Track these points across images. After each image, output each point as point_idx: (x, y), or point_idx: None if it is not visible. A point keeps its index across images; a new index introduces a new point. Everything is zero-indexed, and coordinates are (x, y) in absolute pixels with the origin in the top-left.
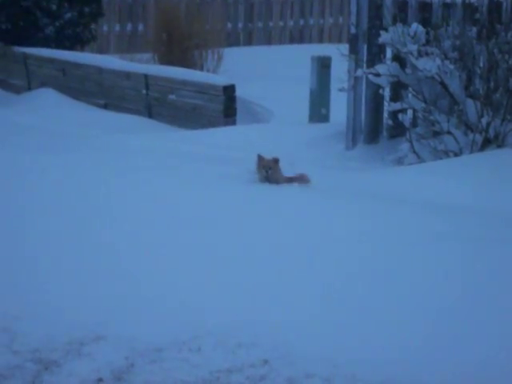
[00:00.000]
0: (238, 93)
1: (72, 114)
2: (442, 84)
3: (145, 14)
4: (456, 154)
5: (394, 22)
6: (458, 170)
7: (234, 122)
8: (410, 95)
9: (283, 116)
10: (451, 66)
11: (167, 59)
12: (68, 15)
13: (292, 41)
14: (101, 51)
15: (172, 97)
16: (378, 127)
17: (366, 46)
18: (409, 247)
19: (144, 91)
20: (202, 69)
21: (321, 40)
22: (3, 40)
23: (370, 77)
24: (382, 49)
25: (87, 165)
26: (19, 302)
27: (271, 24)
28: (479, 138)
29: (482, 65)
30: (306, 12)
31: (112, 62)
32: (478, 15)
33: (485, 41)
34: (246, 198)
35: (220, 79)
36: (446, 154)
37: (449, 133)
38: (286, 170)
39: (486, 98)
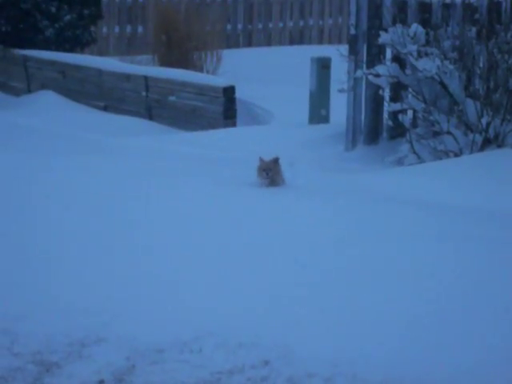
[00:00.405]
0: (238, 94)
1: (72, 116)
2: (442, 84)
3: (144, 15)
4: (456, 155)
5: (394, 22)
6: (458, 170)
7: (233, 124)
8: (409, 96)
9: (283, 117)
10: (451, 67)
11: (167, 61)
12: (67, 17)
13: (292, 42)
14: (100, 53)
15: (172, 98)
16: (377, 128)
17: (365, 47)
18: (408, 247)
19: (144, 93)
20: (201, 70)
21: (320, 41)
22: (3, 42)
23: (370, 77)
24: (381, 49)
25: (91, 167)
26: (20, 304)
27: (271, 25)
28: (479, 138)
29: (481, 65)
30: (306, 13)
31: (112, 64)
32: (477, 15)
33: (484, 41)
34: (246, 200)
35: (220, 81)
36: (446, 154)
37: (449, 133)
38: (286, 171)
39: (486, 98)
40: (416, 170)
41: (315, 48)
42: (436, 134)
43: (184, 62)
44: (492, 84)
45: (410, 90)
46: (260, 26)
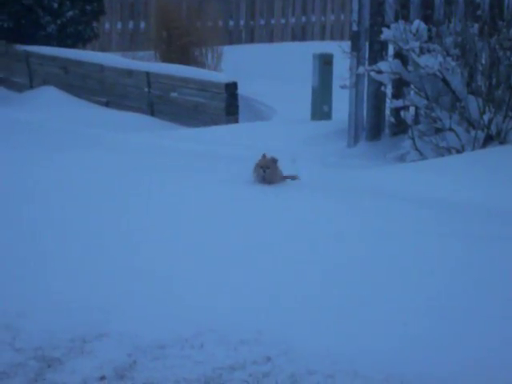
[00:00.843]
0: (240, 90)
1: (74, 112)
2: (444, 81)
3: (146, 11)
4: (458, 151)
5: (396, 18)
6: (460, 166)
7: (236, 120)
8: (411, 92)
9: (285, 113)
10: (453, 63)
11: (169, 57)
12: (70, 13)
13: (294, 38)
14: (103, 49)
15: (174, 94)
16: (379, 124)
17: (367, 43)
18: (410, 244)
19: (146, 89)
20: (203, 66)
21: (322, 37)
22: (5, 38)
23: (372, 74)
24: (383, 46)
25: (92, 163)
26: (22, 300)
27: (273, 21)
28: (481, 135)
29: (483, 61)
30: (308, 9)
31: (114, 59)
32: (479, 12)
33: (487, 37)
34: (247, 196)
35: (222, 77)
36: (448, 150)
37: (451, 130)
38: (288, 167)
39: (488, 94)
40: (418, 166)
41: (317, 44)
42: (438, 130)
43: (185, 58)
44: (494, 81)
45: (412, 86)
46: (262, 22)
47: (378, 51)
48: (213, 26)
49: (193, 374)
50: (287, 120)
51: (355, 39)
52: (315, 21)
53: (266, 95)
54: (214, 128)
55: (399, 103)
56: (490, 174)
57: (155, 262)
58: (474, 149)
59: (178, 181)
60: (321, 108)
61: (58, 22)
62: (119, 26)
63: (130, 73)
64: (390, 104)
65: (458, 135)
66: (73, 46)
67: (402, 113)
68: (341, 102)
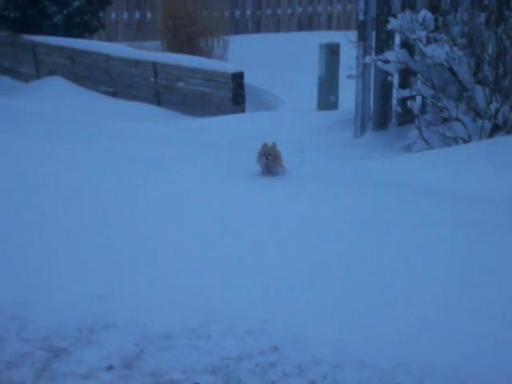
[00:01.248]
0: (247, 80)
1: (81, 102)
2: (451, 70)
3: (153, 1)
4: (465, 141)
5: (403, 8)
6: (467, 156)
7: (242, 110)
8: (418, 82)
9: (292, 103)
10: (460, 53)
11: (175, 47)
12: (76, 3)
13: (300, 28)
14: (109, 39)
15: (180, 84)
16: (386, 114)
17: (374, 33)
18: (417, 234)
19: (152, 79)
20: (209, 56)
21: (329, 27)
22: (12, 28)
23: (379, 64)
24: (390, 35)
25: (99, 152)
26: (29, 290)
27: (279, 11)
28: (488, 125)
29: (490, 51)
30: None
31: (120, 49)
32: (486, 1)
33: (493, 27)
34: (254, 186)
35: (228, 66)
36: (455, 140)
37: (457, 119)
38: (295, 156)
39: (495, 84)
40: (425, 156)
41: (324, 34)
42: (445, 120)
43: (192, 48)
44: (501, 70)
45: (418, 76)
46: (269, 11)
47: (384, 41)
48: (219, 15)
49: (200, 364)
50: (294, 110)
51: (362, 29)
52: (322, 10)
53: (272, 85)
54: (220, 118)
55: (406, 93)
56: (496, 163)
57: (162, 252)
58: (480, 138)
59: (184, 171)
60: (327, 98)
61: (65, 12)
62: (125, 16)
63: (136, 63)
64: (396, 94)
65: (464, 125)
66: (79, 36)
67: (409, 102)
68: (347, 92)
